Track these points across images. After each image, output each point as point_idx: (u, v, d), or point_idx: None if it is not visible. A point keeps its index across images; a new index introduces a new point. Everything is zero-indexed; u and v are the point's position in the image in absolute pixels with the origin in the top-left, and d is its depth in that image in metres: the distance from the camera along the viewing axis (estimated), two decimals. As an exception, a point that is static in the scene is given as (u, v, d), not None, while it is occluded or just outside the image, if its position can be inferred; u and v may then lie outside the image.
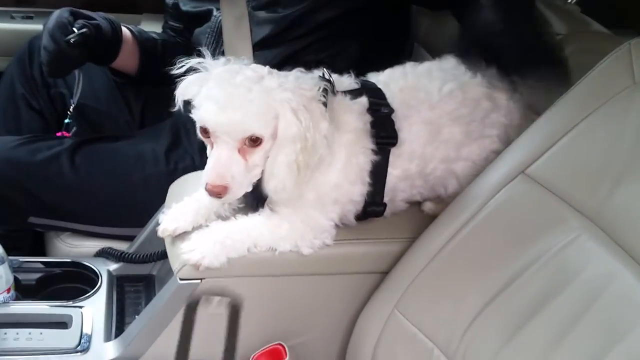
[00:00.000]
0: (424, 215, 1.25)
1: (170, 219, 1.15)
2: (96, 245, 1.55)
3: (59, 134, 1.64)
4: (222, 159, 1.02)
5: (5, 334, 1.18)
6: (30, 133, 1.61)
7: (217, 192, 1.02)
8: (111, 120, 1.75)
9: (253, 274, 1.14)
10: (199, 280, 1.13)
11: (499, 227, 1.05)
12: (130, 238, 1.52)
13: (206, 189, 1.02)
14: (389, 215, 1.21)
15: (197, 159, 1.51)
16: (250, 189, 1.06)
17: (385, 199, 1.18)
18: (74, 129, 1.64)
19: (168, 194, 1.31)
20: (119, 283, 1.46)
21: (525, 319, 0.95)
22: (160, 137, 1.58)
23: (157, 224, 1.17)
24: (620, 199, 0.94)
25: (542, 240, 0.98)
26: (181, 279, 1.12)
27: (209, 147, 1.07)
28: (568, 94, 1.08)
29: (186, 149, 1.55)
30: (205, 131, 1.03)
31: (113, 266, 1.49)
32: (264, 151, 1.04)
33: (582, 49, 1.36)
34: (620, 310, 0.88)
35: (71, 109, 1.64)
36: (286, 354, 1.14)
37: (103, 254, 1.52)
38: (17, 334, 1.18)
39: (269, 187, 1.06)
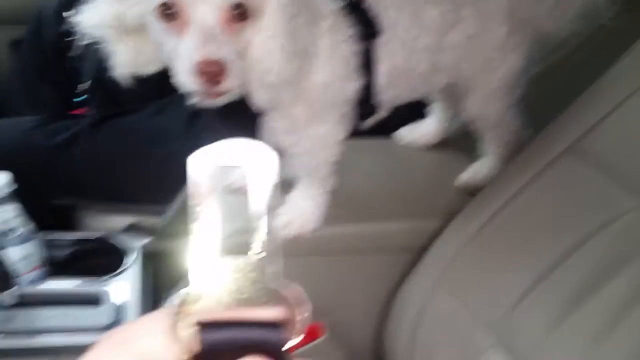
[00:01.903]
0: (459, 190, 1.21)
1: None
2: (126, 219, 1.54)
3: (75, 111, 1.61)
4: (207, 34, 0.80)
5: (38, 313, 1.17)
6: (49, 106, 1.58)
7: (213, 72, 0.80)
8: (129, 92, 1.71)
9: (287, 254, 1.11)
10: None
11: (547, 205, 1.00)
12: (160, 212, 1.50)
13: (197, 71, 0.80)
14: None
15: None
16: (242, 81, 0.86)
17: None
18: (86, 107, 1.60)
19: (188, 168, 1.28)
20: (150, 257, 1.45)
21: (576, 301, 0.90)
22: (179, 109, 1.54)
23: (186, 197, 1.15)
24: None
25: (592, 220, 0.93)
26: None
27: (170, 42, 0.85)
28: (618, 64, 1.01)
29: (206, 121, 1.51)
30: (167, 14, 0.82)
31: (144, 240, 1.47)
32: (250, 30, 0.85)
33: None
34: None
35: (81, 88, 1.60)
36: (322, 332, 1.12)
37: (134, 228, 1.51)
38: (50, 312, 1.17)
39: (261, 71, 0.88)
